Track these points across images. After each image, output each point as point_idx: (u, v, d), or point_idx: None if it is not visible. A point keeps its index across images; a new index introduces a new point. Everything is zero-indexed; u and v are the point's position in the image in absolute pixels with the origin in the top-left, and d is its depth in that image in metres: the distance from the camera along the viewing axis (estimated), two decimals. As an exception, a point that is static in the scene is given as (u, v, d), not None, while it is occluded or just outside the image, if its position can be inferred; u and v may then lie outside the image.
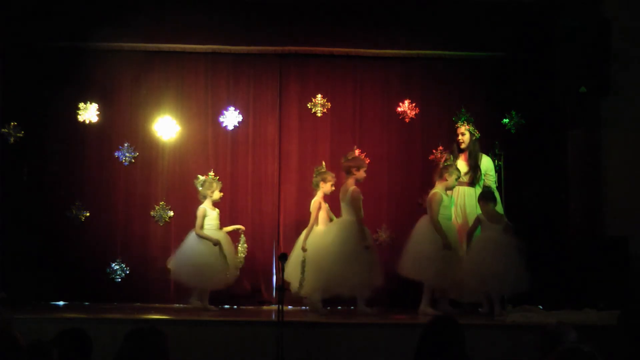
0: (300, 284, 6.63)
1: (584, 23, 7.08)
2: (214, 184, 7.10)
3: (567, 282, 6.99)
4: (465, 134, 7.16)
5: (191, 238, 7.00)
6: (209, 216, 7.01)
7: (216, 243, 6.87)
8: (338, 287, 6.65)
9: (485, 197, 6.77)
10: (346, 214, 6.81)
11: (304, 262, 6.66)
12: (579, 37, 7.04)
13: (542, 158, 7.65)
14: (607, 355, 3.12)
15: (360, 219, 6.73)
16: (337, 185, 7.06)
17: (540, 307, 6.71)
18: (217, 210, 7.13)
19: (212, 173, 7.56)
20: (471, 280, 6.53)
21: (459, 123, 7.19)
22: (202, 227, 6.96)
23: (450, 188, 6.88)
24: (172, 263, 7.05)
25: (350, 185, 6.80)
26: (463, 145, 7.18)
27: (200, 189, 7.11)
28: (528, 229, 7.17)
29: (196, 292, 7.00)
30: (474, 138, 7.19)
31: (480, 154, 7.19)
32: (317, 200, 6.99)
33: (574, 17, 7.17)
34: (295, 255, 6.85)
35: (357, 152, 7.51)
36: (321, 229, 6.94)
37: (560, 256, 7.27)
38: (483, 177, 7.15)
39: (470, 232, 6.75)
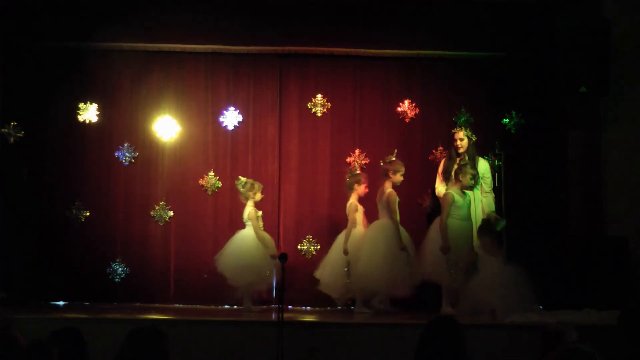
0: (347, 288, 6.74)
1: (584, 23, 7.09)
2: (255, 186, 7.11)
3: (567, 282, 6.98)
4: (463, 139, 7.12)
5: (244, 238, 6.99)
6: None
7: (274, 257, 6.79)
8: (375, 287, 6.71)
9: (482, 229, 6.64)
10: (383, 216, 6.86)
11: (348, 265, 6.72)
12: (579, 37, 7.05)
13: (542, 158, 7.64)
14: (607, 355, 3.12)
15: (396, 221, 6.77)
16: (338, 185, 7.03)
17: (540, 307, 6.70)
18: (260, 211, 7.15)
19: (212, 173, 7.57)
20: (477, 307, 6.48)
21: (457, 128, 7.16)
22: (261, 228, 7.00)
23: (466, 188, 6.83)
24: (221, 262, 6.98)
25: (387, 188, 6.85)
26: (461, 150, 7.15)
27: (242, 190, 7.11)
28: (528, 229, 7.16)
29: (246, 293, 6.96)
30: (471, 142, 7.18)
31: (477, 157, 7.18)
32: (352, 202, 6.99)
33: (574, 17, 7.18)
34: (333, 259, 6.89)
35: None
36: (360, 231, 6.95)
37: (560, 256, 7.27)
38: (480, 179, 7.14)
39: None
